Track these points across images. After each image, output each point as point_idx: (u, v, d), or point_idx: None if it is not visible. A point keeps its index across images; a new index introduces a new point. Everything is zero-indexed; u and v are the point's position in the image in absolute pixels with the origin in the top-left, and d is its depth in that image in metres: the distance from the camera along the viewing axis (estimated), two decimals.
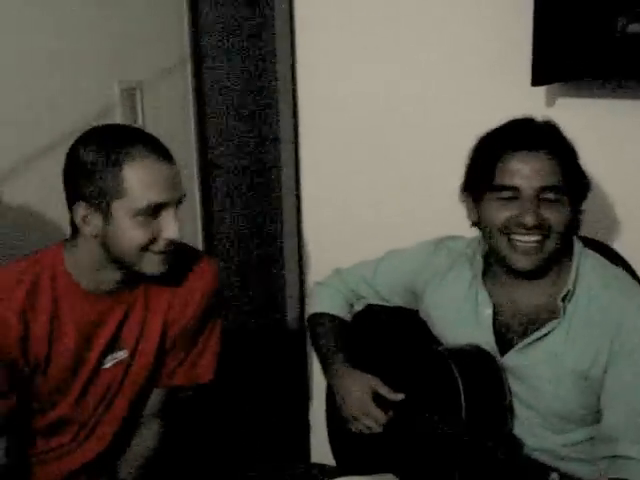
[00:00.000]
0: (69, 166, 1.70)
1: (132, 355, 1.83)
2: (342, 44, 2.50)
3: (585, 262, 1.80)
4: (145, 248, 1.68)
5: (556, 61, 2.07)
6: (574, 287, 1.76)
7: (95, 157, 1.64)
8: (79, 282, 1.74)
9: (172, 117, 2.79)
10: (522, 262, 1.74)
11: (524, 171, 1.71)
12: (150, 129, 2.65)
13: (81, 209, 1.67)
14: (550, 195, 1.72)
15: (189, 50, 2.81)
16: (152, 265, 1.71)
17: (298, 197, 2.75)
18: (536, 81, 2.08)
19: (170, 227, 1.67)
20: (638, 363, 1.69)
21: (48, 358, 1.74)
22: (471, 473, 1.74)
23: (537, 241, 1.72)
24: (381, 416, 1.91)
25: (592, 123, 2.23)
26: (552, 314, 1.77)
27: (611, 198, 2.26)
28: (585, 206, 2.23)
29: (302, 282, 2.83)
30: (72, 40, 2.37)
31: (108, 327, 1.79)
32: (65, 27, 2.35)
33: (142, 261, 1.70)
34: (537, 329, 1.79)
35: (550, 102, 2.25)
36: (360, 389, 1.93)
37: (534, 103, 2.23)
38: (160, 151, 1.67)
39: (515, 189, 1.72)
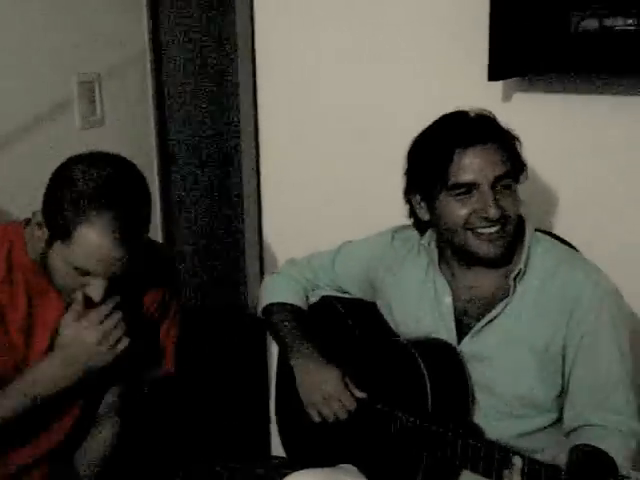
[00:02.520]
0: (53, 180, 1.66)
1: None
2: (302, 39, 2.50)
3: (537, 243, 1.84)
4: (71, 289, 1.70)
5: (512, 56, 2.08)
6: (525, 266, 1.80)
7: (68, 197, 1.60)
8: (33, 257, 1.74)
9: (131, 109, 2.78)
10: (489, 250, 1.77)
11: (478, 165, 1.73)
12: (109, 121, 2.66)
13: (38, 218, 1.68)
14: (504, 183, 1.76)
15: (148, 42, 2.80)
16: (76, 296, 1.72)
17: (258, 187, 2.75)
18: (492, 76, 2.09)
19: (94, 292, 1.67)
20: (599, 341, 1.74)
21: (26, 355, 1.75)
22: (435, 462, 1.76)
23: (499, 229, 1.76)
24: (351, 402, 1.91)
25: (548, 118, 2.26)
26: (506, 295, 1.81)
27: (565, 192, 2.29)
28: (538, 199, 2.29)
29: (262, 274, 2.83)
30: (30, 32, 2.36)
31: (49, 319, 1.78)
32: (24, 19, 2.33)
33: (66, 292, 1.72)
34: (483, 315, 1.82)
35: (507, 97, 2.27)
36: (331, 376, 1.91)
37: (491, 98, 2.25)
38: (122, 230, 1.61)
39: (472, 184, 1.74)
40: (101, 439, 1.92)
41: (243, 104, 2.76)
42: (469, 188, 1.75)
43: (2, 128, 2.27)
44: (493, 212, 1.73)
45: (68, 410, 1.85)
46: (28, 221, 1.75)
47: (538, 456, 1.67)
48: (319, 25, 2.47)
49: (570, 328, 1.75)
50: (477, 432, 1.81)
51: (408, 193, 1.88)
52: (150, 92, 2.83)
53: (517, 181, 1.80)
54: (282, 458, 2.62)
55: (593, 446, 1.67)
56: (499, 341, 1.80)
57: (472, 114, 1.81)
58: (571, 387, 1.78)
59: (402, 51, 2.38)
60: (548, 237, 1.91)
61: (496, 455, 1.63)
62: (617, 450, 1.66)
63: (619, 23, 2.00)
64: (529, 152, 2.27)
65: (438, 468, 1.78)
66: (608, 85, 2.16)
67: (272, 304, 2.10)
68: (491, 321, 1.81)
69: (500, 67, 2.09)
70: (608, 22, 2.00)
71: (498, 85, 2.24)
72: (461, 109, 1.82)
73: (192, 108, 2.88)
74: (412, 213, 1.91)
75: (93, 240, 1.59)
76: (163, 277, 1.90)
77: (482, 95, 2.24)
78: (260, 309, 2.14)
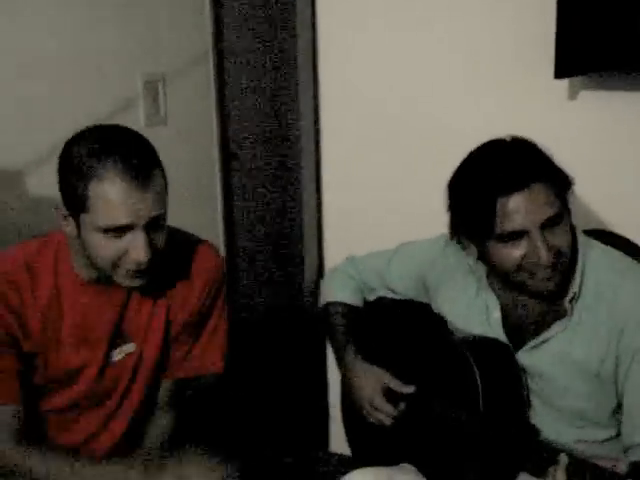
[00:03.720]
0: (58, 162, 1.68)
1: (142, 347, 1.83)
2: (363, 39, 2.51)
3: (590, 257, 1.77)
4: (115, 264, 1.66)
5: (579, 53, 2.07)
6: (580, 288, 1.74)
7: (71, 166, 1.61)
8: (78, 272, 1.75)
9: (194, 109, 2.81)
10: (545, 288, 1.72)
11: (524, 211, 1.65)
12: (172, 121, 2.70)
13: (60, 211, 1.68)
14: (553, 221, 1.68)
15: (212, 43, 2.83)
16: (125, 279, 1.69)
17: (318, 188, 2.76)
18: (559, 73, 2.08)
19: (136, 249, 1.62)
20: None
21: (50, 343, 1.75)
22: (484, 461, 1.75)
23: (554, 267, 1.70)
24: (391, 410, 1.92)
25: (614, 116, 2.23)
26: (559, 314, 1.77)
27: (631, 193, 2.25)
28: (602, 199, 2.25)
29: (321, 270, 2.84)
30: (96, 33, 2.40)
31: (107, 317, 1.79)
32: (90, 20, 2.38)
33: (115, 273, 1.68)
34: (545, 330, 1.79)
35: (572, 95, 2.25)
36: (370, 383, 1.94)
37: (556, 96, 2.23)
38: (134, 172, 1.58)
39: (520, 232, 1.67)
40: (153, 433, 1.92)
41: (304, 103, 2.76)
42: (518, 234, 1.68)
43: (69, 126, 2.31)
44: (545, 257, 1.66)
45: (126, 410, 1.87)
46: None
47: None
48: (378, 30, 2.48)
49: (621, 347, 1.70)
50: (534, 433, 1.79)
51: (454, 233, 1.81)
52: (213, 92, 2.86)
53: (566, 205, 1.72)
54: (341, 455, 2.63)
55: None
56: (553, 360, 1.78)
57: (513, 148, 1.71)
58: (624, 407, 1.73)
59: (468, 48, 2.37)
60: (601, 246, 1.83)
61: (544, 453, 1.61)
62: None
63: None
64: (594, 151, 2.27)
65: (493, 467, 1.76)
66: None
67: (328, 303, 2.12)
68: (545, 341, 1.79)
69: (567, 64, 2.08)
70: None
71: (564, 83, 2.22)
72: (501, 138, 1.73)
73: (254, 108, 2.90)
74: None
75: (107, 190, 1.57)
76: (208, 275, 1.90)
77: (548, 93, 2.23)
78: (320, 305, 2.16)
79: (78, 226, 1.65)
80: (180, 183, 2.71)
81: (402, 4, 2.44)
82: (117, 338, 1.82)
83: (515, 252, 1.68)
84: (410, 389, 1.91)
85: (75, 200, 1.61)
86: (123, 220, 1.60)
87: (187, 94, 2.76)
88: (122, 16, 2.49)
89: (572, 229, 1.75)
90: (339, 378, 2.19)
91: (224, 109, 2.91)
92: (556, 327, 1.76)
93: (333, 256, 2.72)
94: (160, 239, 1.67)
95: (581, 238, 1.79)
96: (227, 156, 2.94)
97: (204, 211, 2.90)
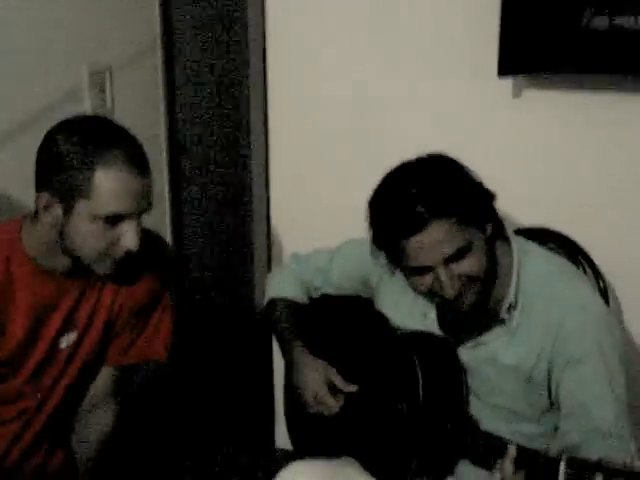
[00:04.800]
0: (44, 151, 1.69)
1: (81, 335, 1.84)
2: (313, 39, 2.52)
3: (525, 265, 1.78)
4: (103, 252, 1.69)
5: (523, 52, 2.10)
6: (516, 297, 1.76)
7: (72, 151, 1.63)
8: (34, 260, 1.75)
9: (142, 101, 2.78)
10: (459, 307, 1.74)
11: (424, 251, 1.65)
12: (119, 113, 2.67)
13: (44, 198, 1.67)
14: (458, 255, 1.68)
15: (160, 33, 2.80)
16: (104, 268, 1.72)
17: (267, 181, 2.76)
18: (502, 71, 2.11)
19: (129, 237, 1.68)
20: (584, 367, 1.70)
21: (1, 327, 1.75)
22: (429, 453, 1.77)
23: (465, 291, 1.71)
24: (333, 404, 1.93)
25: (558, 115, 2.27)
26: (496, 321, 1.79)
27: (572, 191, 2.29)
28: (546, 199, 2.29)
29: (270, 265, 2.84)
30: (43, 22, 2.36)
31: (62, 307, 1.79)
32: (35, 10, 2.34)
33: (98, 262, 1.71)
34: (481, 333, 1.81)
35: (517, 93, 2.28)
36: (315, 377, 1.95)
37: (501, 94, 2.26)
38: (136, 162, 1.66)
39: (424, 267, 1.69)
40: (97, 422, 1.95)
41: (254, 95, 2.76)
42: (422, 269, 1.70)
43: (12, 118, 2.28)
44: (450, 293, 1.69)
45: (56, 395, 1.86)
46: (24, 217, 1.77)
47: None
48: (327, 26, 2.49)
49: (554, 352, 1.72)
50: (472, 424, 1.82)
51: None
52: (161, 83, 2.83)
53: (478, 224, 1.71)
54: (286, 450, 2.64)
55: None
56: (487, 361, 1.81)
57: (419, 180, 1.68)
58: (561, 410, 1.75)
59: (414, 46, 2.39)
60: (539, 251, 1.85)
61: (493, 444, 1.64)
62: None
63: (630, 22, 2.00)
64: (538, 149, 2.31)
65: (433, 458, 1.79)
66: (619, 83, 2.16)
67: (274, 299, 2.13)
68: (483, 343, 1.81)
69: (510, 63, 2.11)
70: (619, 21, 2.01)
71: (508, 81, 2.25)
72: (413, 162, 1.74)
73: (202, 99, 2.89)
74: None
75: (114, 178, 1.62)
76: (155, 264, 1.92)
77: (492, 91, 2.26)
78: (265, 302, 2.17)
79: (67, 214, 1.65)
80: None
81: (351, 2, 2.44)
82: (67, 325, 1.82)
83: (422, 282, 1.72)
84: (353, 388, 1.93)
85: (72, 188, 1.63)
86: (128, 208, 1.65)
87: (134, 85, 2.73)
88: (68, 5, 2.45)
89: (492, 249, 1.75)
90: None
91: (172, 101, 2.89)
92: (495, 332, 1.79)
93: (281, 252, 2.72)
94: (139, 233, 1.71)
95: (516, 245, 1.80)
96: (175, 149, 2.92)
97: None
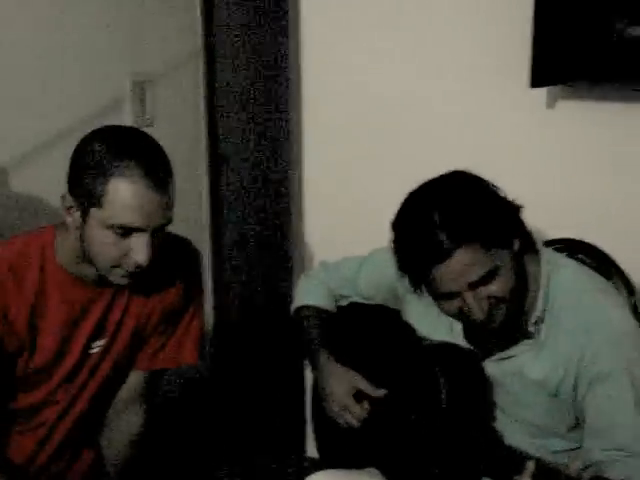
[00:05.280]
0: (73, 156, 1.72)
1: (110, 340, 1.86)
2: (348, 42, 2.53)
3: (555, 281, 1.75)
4: (115, 263, 1.69)
5: (555, 63, 2.07)
6: (543, 312, 1.74)
7: (94, 158, 1.64)
8: (66, 268, 1.77)
9: (182, 111, 2.81)
10: (490, 327, 1.71)
11: (451, 277, 1.63)
12: (160, 123, 2.71)
13: (67, 200, 1.70)
14: (484, 279, 1.65)
15: (201, 45, 2.84)
16: (117, 278, 1.73)
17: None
18: (535, 82, 2.09)
19: (139, 252, 1.66)
20: (610, 385, 1.67)
21: (33, 339, 1.78)
22: (452, 466, 1.76)
23: (493, 314, 1.68)
24: (360, 412, 1.93)
25: (591, 126, 2.24)
26: (523, 334, 1.76)
27: (610, 201, 2.26)
28: (585, 211, 2.26)
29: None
30: (85, 33, 2.41)
31: (94, 313, 1.82)
32: (79, 20, 2.39)
33: (111, 272, 1.72)
34: (508, 347, 1.79)
35: (550, 104, 2.26)
36: (341, 385, 1.95)
37: (534, 105, 2.25)
38: (154, 176, 1.63)
39: (452, 293, 1.67)
40: (126, 425, 1.96)
41: (292, 104, 2.78)
42: (450, 295, 1.68)
43: (55, 126, 2.33)
44: (478, 315, 1.66)
45: (83, 400, 1.89)
46: (58, 225, 1.79)
47: None
48: (362, 29, 2.50)
49: (581, 368, 1.69)
50: (496, 439, 1.80)
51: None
52: (201, 94, 2.87)
53: (510, 247, 1.68)
54: (316, 459, 2.64)
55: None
56: (514, 375, 1.78)
57: (443, 204, 1.64)
58: (585, 427, 1.72)
59: (447, 57, 2.39)
60: (570, 265, 1.81)
61: (511, 460, 1.62)
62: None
63: None
64: (571, 160, 2.28)
65: (455, 471, 1.77)
66: None
67: (302, 306, 2.13)
68: (510, 357, 1.79)
69: (543, 73, 2.08)
70: None
71: (542, 92, 2.23)
72: (437, 182, 1.71)
73: (243, 110, 2.92)
74: None
75: (127, 189, 1.61)
76: (185, 270, 1.93)
77: (526, 102, 2.25)
78: (292, 309, 2.17)
79: (84, 219, 1.68)
80: None
81: (386, 6, 2.46)
82: (97, 332, 1.85)
83: (451, 307, 1.70)
84: (381, 393, 1.93)
85: (88, 194, 1.65)
86: (137, 222, 1.64)
87: (175, 95, 2.77)
88: (111, 16, 2.50)
89: (520, 263, 1.71)
90: None
91: (213, 111, 2.92)
92: (522, 346, 1.77)
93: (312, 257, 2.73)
94: (157, 244, 1.70)
95: (545, 258, 1.77)
96: (216, 159, 2.95)
97: (191, 214, 2.91)
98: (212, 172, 2.94)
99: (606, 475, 1.58)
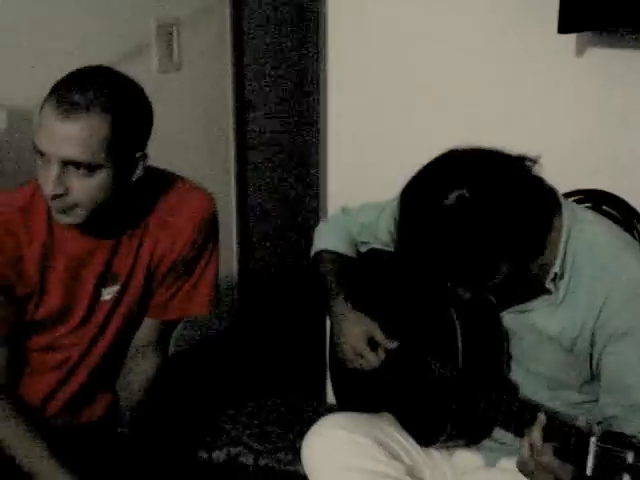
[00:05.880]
0: None
1: (124, 286, 1.86)
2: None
3: (576, 233, 1.69)
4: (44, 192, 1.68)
5: (585, 8, 2.01)
6: (562, 269, 1.68)
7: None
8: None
9: (209, 56, 2.80)
10: None
11: None
12: (186, 68, 2.70)
13: None
14: None
15: None
16: (53, 212, 1.70)
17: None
18: (563, 28, 2.03)
19: (45, 180, 1.63)
20: (627, 342, 1.63)
21: (42, 284, 1.78)
22: (466, 416, 1.76)
23: None
24: (374, 360, 1.92)
25: (620, 74, 2.17)
26: (539, 288, 1.71)
27: (636, 154, 2.21)
28: (614, 162, 2.22)
29: None
30: None
31: (96, 262, 1.81)
32: None
33: (51, 208, 1.70)
34: (526, 300, 1.75)
35: (580, 52, 2.19)
36: (356, 332, 1.93)
37: (563, 52, 2.19)
38: (63, 105, 1.58)
39: None
40: (140, 370, 1.97)
41: (322, 51, 2.75)
42: None
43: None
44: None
45: (101, 346, 1.89)
46: None
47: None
48: None
49: (599, 325, 1.65)
50: (511, 388, 1.79)
51: None
52: (228, 39, 2.85)
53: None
54: (334, 406, 2.65)
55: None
56: (530, 328, 1.75)
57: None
58: (601, 382, 1.69)
59: (472, 5, 2.33)
60: (589, 218, 1.76)
61: (526, 415, 1.61)
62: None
63: None
64: (599, 110, 2.23)
65: (469, 421, 1.77)
66: None
67: (321, 251, 2.12)
68: (527, 310, 1.76)
69: (571, 19, 2.02)
70: None
71: (571, 39, 2.17)
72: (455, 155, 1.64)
73: (270, 56, 2.89)
74: None
75: (43, 113, 1.61)
76: (199, 219, 1.90)
77: (554, 49, 2.19)
78: (312, 253, 2.16)
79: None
80: (193, 132, 2.74)
81: None
82: (106, 278, 1.85)
83: None
84: (393, 345, 1.92)
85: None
86: (42, 146, 1.62)
87: (202, 40, 2.75)
88: None
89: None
90: None
91: (240, 57, 2.90)
92: (540, 301, 1.73)
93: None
94: (85, 187, 1.65)
95: (567, 213, 1.71)
96: (242, 105, 2.94)
97: (216, 161, 2.90)
98: (238, 116, 2.93)
99: (620, 430, 1.57)
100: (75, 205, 1.67)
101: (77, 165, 1.62)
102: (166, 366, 2.02)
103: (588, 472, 1.43)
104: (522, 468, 1.56)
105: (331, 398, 2.78)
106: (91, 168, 1.63)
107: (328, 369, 2.21)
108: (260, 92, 2.93)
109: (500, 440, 1.82)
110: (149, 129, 1.73)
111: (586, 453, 1.44)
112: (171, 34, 2.63)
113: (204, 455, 2.18)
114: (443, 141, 2.18)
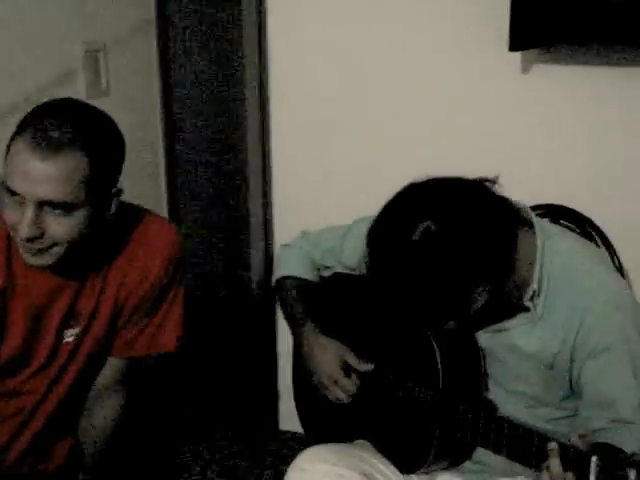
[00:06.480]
0: None
1: (85, 327, 1.78)
2: (312, 9, 2.46)
3: (550, 250, 1.70)
4: (14, 233, 1.59)
5: (534, 26, 2.04)
6: (539, 287, 1.69)
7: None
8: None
9: (137, 80, 2.73)
10: None
11: None
12: (114, 92, 2.61)
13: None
14: None
15: (155, 12, 2.75)
16: (23, 254, 1.62)
17: (265, 157, 2.70)
18: (514, 46, 2.06)
19: (21, 222, 1.55)
20: (608, 359, 1.65)
21: (1, 328, 1.70)
22: (447, 438, 1.73)
23: None
24: (350, 386, 1.89)
25: (568, 90, 2.22)
26: (518, 307, 1.72)
27: (588, 166, 2.25)
28: (563, 176, 2.25)
29: (268, 246, 2.80)
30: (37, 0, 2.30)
31: (61, 302, 1.73)
32: None
33: (21, 247, 1.61)
34: (502, 320, 1.75)
35: (526, 68, 2.23)
36: (329, 357, 1.90)
37: (510, 69, 2.22)
38: (41, 144, 1.51)
39: None
40: (103, 412, 1.90)
41: (250, 72, 2.70)
42: None
43: (7, 97, 2.22)
44: None
45: (60, 388, 1.82)
46: None
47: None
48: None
49: (579, 340, 1.66)
50: (491, 409, 1.77)
51: None
52: (155, 63, 2.78)
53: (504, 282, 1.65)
54: (292, 433, 2.61)
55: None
56: (508, 348, 1.75)
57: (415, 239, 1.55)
58: (582, 398, 1.70)
59: (423, 21, 2.33)
60: (564, 235, 1.80)
61: (512, 431, 1.60)
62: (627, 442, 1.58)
63: None
64: (549, 126, 2.27)
65: (451, 443, 1.76)
66: (633, 57, 2.11)
67: (282, 278, 2.07)
68: (505, 330, 1.75)
69: (521, 37, 2.05)
70: None
71: (517, 56, 2.20)
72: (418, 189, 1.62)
73: (198, 78, 2.83)
74: None
75: (17, 152, 1.53)
76: (165, 255, 1.83)
77: (501, 66, 2.22)
78: (273, 280, 2.11)
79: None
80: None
81: None
82: (69, 319, 1.77)
83: None
84: (369, 367, 1.89)
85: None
86: (17, 187, 1.53)
87: (129, 64, 2.68)
88: None
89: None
90: (289, 357, 2.15)
91: (168, 79, 2.83)
92: (518, 319, 1.73)
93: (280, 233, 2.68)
94: (63, 228, 1.57)
95: (539, 229, 1.72)
96: (171, 128, 2.87)
97: (147, 184, 2.83)
98: (168, 141, 2.85)
99: (606, 441, 1.58)
100: (52, 245, 1.58)
101: (54, 205, 1.54)
102: (128, 407, 1.94)
103: None
104: None
105: (284, 424, 2.74)
106: (69, 208, 1.55)
107: (294, 398, 2.15)
108: (190, 115, 2.87)
109: (482, 462, 1.81)
110: (122, 163, 1.66)
111: (587, 473, 1.44)
112: (98, 58, 2.55)
113: None
114: (390, 158, 2.17)
